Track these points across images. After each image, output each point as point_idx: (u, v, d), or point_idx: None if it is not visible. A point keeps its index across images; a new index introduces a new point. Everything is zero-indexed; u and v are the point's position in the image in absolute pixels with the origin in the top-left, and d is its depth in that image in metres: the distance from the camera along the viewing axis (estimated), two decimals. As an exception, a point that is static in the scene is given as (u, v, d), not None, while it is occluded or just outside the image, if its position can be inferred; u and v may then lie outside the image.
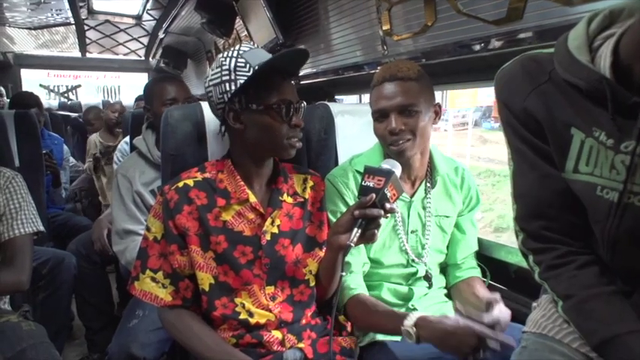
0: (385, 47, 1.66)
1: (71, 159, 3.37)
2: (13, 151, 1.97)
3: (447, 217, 1.30)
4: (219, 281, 1.06)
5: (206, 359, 1.02)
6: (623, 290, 0.78)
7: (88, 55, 4.98)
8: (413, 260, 1.25)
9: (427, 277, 1.28)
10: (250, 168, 1.11)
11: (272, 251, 1.08)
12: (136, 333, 1.36)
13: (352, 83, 2.16)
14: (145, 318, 1.41)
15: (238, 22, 2.80)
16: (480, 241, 1.40)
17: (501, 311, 0.91)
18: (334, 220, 1.18)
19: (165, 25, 3.65)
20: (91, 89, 7.02)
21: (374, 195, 0.94)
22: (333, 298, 1.02)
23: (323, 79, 2.20)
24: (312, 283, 1.14)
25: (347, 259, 1.17)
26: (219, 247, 1.06)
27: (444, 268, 1.37)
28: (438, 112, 1.22)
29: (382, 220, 0.98)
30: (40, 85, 6.51)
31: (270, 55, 1.05)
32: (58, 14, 3.54)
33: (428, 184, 1.27)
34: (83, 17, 3.84)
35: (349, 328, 1.21)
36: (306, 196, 1.17)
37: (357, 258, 1.21)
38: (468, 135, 9.40)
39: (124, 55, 5.23)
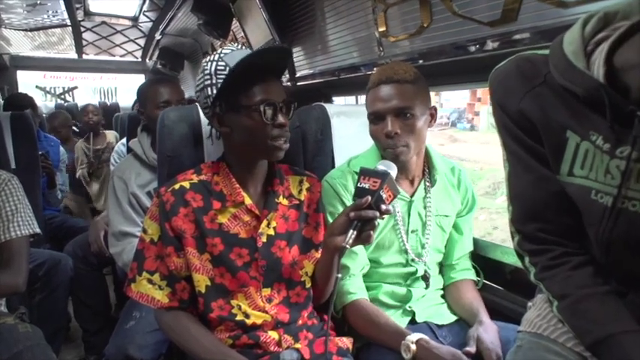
0: (381, 48, 1.66)
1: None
2: (9, 152, 1.97)
3: (447, 216, 1.31)
4: (215, 283, 1.06)
5: None
6: (617, 290, 0.78)
7: (84, 56, 4.96)
8: (412, 260, 1.26)
9: (425, 277, 1.28)
10: (244, 170, 1.10)
11: (268, 253, 1.09)
12: (133, 335, 1.36)
13: (349, 84, 2.16)
14: (142, 320, 1.41)
15: (235, 24, 2.80)
16: (476, 242, 1.41)
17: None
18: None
19: (161, 27, 3.65)
20: (88, 91, 7.00)
21: (369, 197, 0.94)
22: (330, 299, 1.02)
23: (320, 81, 2.20)
24: (309, 285, 1.15)
25: (346, 262, 1.18)
26: (216, 249, 1.06)
27: (441, 269, 1.37)
28: (433, 115, 1.22)
29: (380, 221, 0.98)
30: (37, 87, 6.48)
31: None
32: (54, 16, 3.52)
33: (427, 183, 1.28)
34: (79, 19, 3.83)
35: (346, 329, 1.21)
36: (302, 198, 1.17)
37: (356, 261, 1.21)
38: (444, 134, 10.07)
39: (121, 56, 5.22)
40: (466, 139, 9.87)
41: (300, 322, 1.12)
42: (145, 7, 3.51)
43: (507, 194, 0.89)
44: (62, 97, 6.59)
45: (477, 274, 1.35)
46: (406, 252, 1.25)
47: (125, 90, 6.82)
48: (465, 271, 1.33)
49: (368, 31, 1.71)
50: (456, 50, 1.33)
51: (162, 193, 1.08)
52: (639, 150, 0.69)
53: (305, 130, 1.41)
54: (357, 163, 1.26)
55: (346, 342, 1.13)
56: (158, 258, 1.08)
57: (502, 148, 0.89)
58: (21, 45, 4.51)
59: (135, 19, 3.96)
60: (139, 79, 5.68)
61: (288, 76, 2.42)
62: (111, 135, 3.57)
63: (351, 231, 0.95)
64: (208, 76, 1.03)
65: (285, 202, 1.14)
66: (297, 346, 1.07)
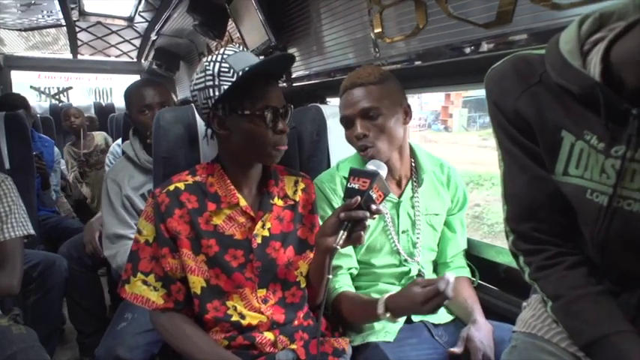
0: (377, 50, 1.66)
1: (62, 161, 3.35)
2: (3, 153, 1.96)
3: (437, 214, 1.31)
4: (210, 284, 1.06)
5: None
6: (611, 290, 0.79)
7: (79, 56, 4.93)
8: (405, 260, 1.26)
9: (419, 277, 1.28)
10: (239, 172, 1.10)
11: (263, 254, 1.09)
12: (124, 336, 1.35)
13: (344, 85, 2.17)
14: (134, 321, 1.40)
15: (231, 25, 2.79)
16: (470, 241, 1.41)
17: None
18: None
19: (157, 27, 3.63)
20: (83, 91, 6.97)
21: (359, 197, 0.95)
22: (322, 299, 1.02)
23: (315, 82, 2.20)
24: (304, 285, 1.15)
25: (336, 263, 1.18)
26: (211, 250, 1.05)
27: (435, 267, 1.38)
28: (407, 112, 1.23)
29: (370, 223, 0.99)
30: (31, 87, 6.45)
31: (254, 58, 1.04)
32: (48, 16, 3.50)
33: (414, 183, 1.28)
34: (74, 19, 3.80)
35: (342, 329, 1.21)
36: (297, 199, 1.17)
37: (345, 262, 1.22)
38: (420, 135, 10.47)
39: (116, 57, 5.19)
40: (437, 140, 10.46)
41: (295, 322, 1.12)
42: (140, 8, 3.49)
43: (502, 193, 0.89)
44: (57, 97, 6.56)
45: (472, 274, 1.36)
46: (398, 253, 1.26)
47: (120, 91, 6.74)
48: (459, 269, 1.33)
49: (364, 33, 1.71)
50: (451, 51, 1.33)
51: (157, 194, 1.07)
52: (634, 149, 0.70)
53: (301, 131, 1.42)
54: (345, 166, 1.27)
55: (342, 342, 1.13)
56: (153, 259, 1.07)
57: (497, 147, 0.89)
58: (15, 45, 4.48)
59: (130, 20, 3.93)
60: (135, 79, 5.66)
61: (284, 76, 2.42)
62: (100, 137, 3.55)
63: (342, 232, 0.96)
64: (210, 77, 1.01)
65: (279, 203, 1.14)
66: (293, 346, 1.07)
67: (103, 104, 5.15)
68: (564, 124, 0.77)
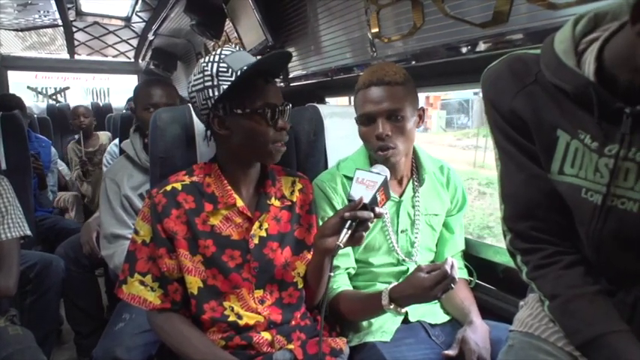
0: (374, 49, 1.67)
1: (60, 162, 3.34)
2: (0, 153, 1.95)
3: (436, 215, 1.31)
4: (207, 285, 1.06)
5: None
6: (607, 289, 0.79)
7: (76, 57, 4.92)
8: (403, 260, 1.26)
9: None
10: (237, 172, 1.10)
11: (260, 255, 1.08)
12: (121, 336, 1.35)
13: (341, 85, 2.17)
14: (131, 321, 1.40)
15: (228, 24, 2.79)
16: (468, 241, 1.41)
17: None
18: None
19: (154, 27, 3.62)
20: (80, 91, 6.96)
21: (365, 197, 0.95)
22: (322, 299, 1.02)
23: (312, 81, 2.21)
24: (301, 286, 1.15)
25: (334, 262, 1.18)
26: (208, 250, 1.05)
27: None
28: (421, 116, 1.23)
29: (370, 224, 0.99)
30: (28, 87, 6.44)
31: (251, 58, 1.04)
32: (45, 16, 3.49)
33: (415, 183, 1.28)
34: (71, 19, 3.80)
35: (339, 329, 1.21)
36: (294, 199, 1.17)
37: (344, 261, 1.22)
38: None
39: (113, 57, 5.18)
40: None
41: (292, 322, 1.12)
42: (137, 8, 3.48)
43: (500, 193, 0.89)
44: (54, 97, 6.55)
45: (470, 274, 1.36)
46: (396, 252, 1.25)
47: (118, 91, 6.80)
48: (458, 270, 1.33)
49: (361, 32, 1.71)
50: (448, 51, 1.33)
51: (153, 194, 1.07)
52: (627, 148, 0.70)
53: (298, 131, 1.42)
54: (346, 165, 1.27)
55: (339, 343, 1.13)
56: (150, 259, 1.07)
57: (494, 146, 0.89)
58: (12, 45, 4.48)
59: (127, 20, 3.93)
60: (132, 79, 5.65)
61: (281, 76, 2.42)
62: (104, 136, 3.54)
63: (345, 230, 0.96)
64: (209, 77, 1.01)
65: (277, 203, 1.14)
66: (290, 346, 1.07)
67: (101, 104, 5.13)
68: (559, 123, 0.77)
